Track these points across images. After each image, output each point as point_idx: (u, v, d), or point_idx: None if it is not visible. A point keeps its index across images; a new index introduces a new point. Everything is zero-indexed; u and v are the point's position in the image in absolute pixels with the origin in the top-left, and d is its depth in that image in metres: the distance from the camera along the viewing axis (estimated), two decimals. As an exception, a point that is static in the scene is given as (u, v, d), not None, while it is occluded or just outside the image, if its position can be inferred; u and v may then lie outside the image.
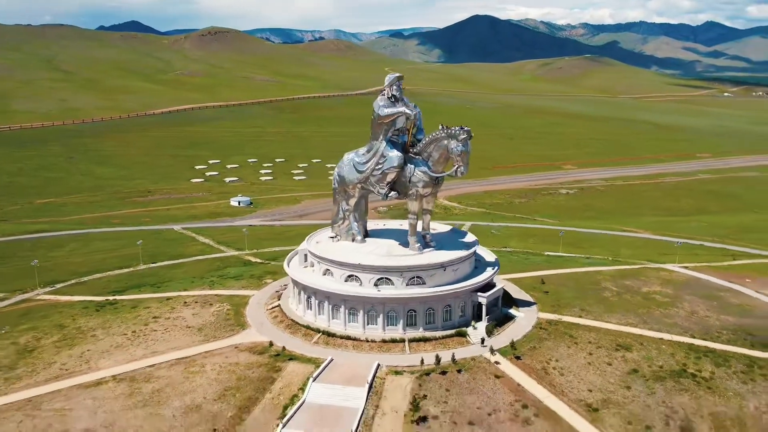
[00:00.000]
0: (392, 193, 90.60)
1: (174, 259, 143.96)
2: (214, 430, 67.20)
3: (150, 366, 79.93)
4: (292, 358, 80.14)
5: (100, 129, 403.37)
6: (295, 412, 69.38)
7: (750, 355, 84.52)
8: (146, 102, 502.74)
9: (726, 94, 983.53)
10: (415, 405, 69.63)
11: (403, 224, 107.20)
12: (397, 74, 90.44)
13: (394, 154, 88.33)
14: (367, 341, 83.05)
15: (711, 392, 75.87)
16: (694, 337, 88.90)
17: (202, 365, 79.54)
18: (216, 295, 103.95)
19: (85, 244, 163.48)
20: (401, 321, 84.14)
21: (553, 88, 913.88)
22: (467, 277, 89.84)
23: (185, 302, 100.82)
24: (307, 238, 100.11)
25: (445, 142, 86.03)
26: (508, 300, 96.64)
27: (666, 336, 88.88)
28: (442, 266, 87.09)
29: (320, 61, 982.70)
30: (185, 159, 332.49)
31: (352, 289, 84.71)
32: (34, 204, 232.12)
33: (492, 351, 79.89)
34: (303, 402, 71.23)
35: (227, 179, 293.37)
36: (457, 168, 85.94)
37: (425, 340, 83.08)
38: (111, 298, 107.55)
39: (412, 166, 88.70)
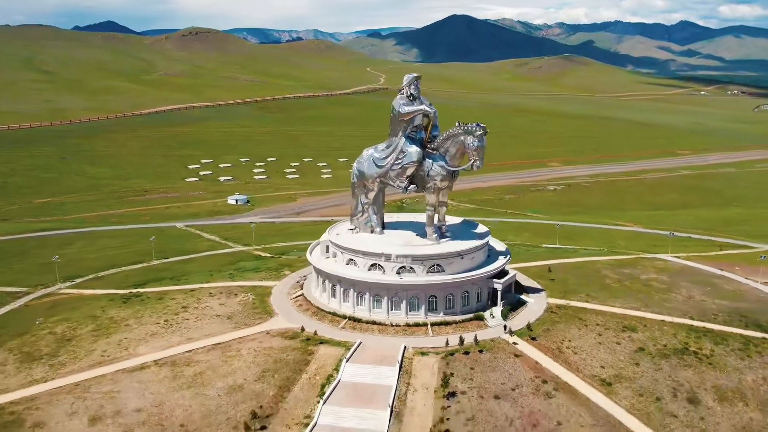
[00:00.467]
0: (411, 186, 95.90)
1: (184, 254, 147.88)
2: (260, 407, 71.89)
3: (188, 351, 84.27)
4: (323, 342, 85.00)
5: (90, 129, 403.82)
6: (333, 390, 74.31)
7: (745, 335, 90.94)
8: (132, 102, 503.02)
9: (702, 92, 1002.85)
10: (445, 381, 74.91)
11: (416, 217, 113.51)
12: (415, 74, 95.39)
13: (414, 150, 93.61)
14: (392, 325, 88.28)
15: (712, 367, 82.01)
16: (693, 319, 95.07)
17: (238, 350, 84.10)
18: (238, 286, 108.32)
19: (92, 241, 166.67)
20: (423, 306, 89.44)
21: (534, 87, 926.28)
22: (482, 265, 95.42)
23: (210, 293, 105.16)
24: (327, 230, 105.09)
25: (462, 138, 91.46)
26: (518, 287, 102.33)
27: (667, 318, 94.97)
28: (460, 255, 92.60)
29: (302, 61, 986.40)
30: (178, 159, 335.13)
31: (377, 276, 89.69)
32: (32, 204, 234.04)
33: (510, 332, 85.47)
34: (338, 381, 76.15)
35: (222, 178, 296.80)
36: (473, 162, 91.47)
37: (446, 323, 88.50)
38: (134, 291, 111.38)
39: (431, 160, 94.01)
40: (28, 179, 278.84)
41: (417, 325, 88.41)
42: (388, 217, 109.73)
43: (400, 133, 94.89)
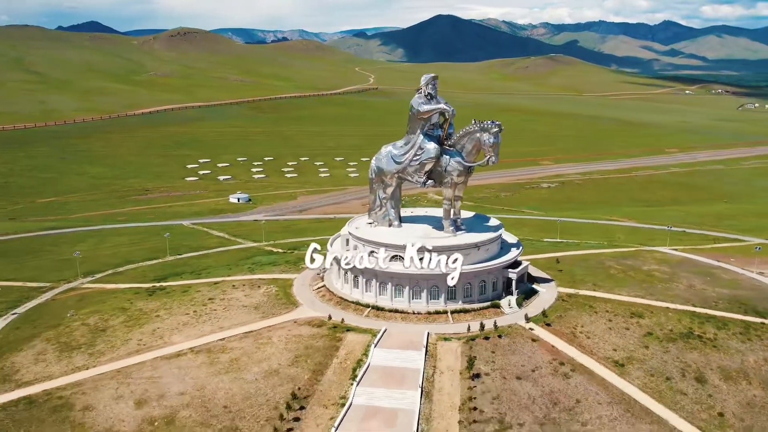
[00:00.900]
0: (429, 181, 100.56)
1: (197, 250, 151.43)
2: (298, 388, 76.25)
3: (221, 339, 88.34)
4: (349, 329, 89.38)
5: (85, 130, 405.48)
6: (364, 373, 78.78)
7: (745, 320, 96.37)
8: (125, 103, 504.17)
9: (687, 91, 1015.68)
10: (470, 364, 79.58)
11: (428, 211, 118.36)
12: (433, 74, 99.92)
13: (432, 146, 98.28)
14: (414, 313, 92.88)
15: (716, 350, 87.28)
16: (695, 306, 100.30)
17: (269, 337, 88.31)
18: (260, 278, 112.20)
19: (103, 239, 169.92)
20: (443, 295, 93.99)
21: (521, 87, 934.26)
22: (496, 256, 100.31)
23: (233, 285, 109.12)
24: (347, 223, 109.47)
25: (478, 134, 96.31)
26: (529, 277, 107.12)
27: (671, 305, 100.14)
28: (477, 246, 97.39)
29: (291, 61, 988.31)
30: (175, 158, 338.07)
31: (400, 267, 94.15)
32: (35, 203, 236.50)
33: (527, 319, 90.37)
34: (368, 365, 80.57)
35: (221, 177, 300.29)
36: (489, 158, 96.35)
37: (465, 311, 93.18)
38: (158, 284, 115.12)
39: (448, 156, 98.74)
40: (28, 179, 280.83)
41: (437, 312, 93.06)
42: (409, 212, 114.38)
43: (418, 131, 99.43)
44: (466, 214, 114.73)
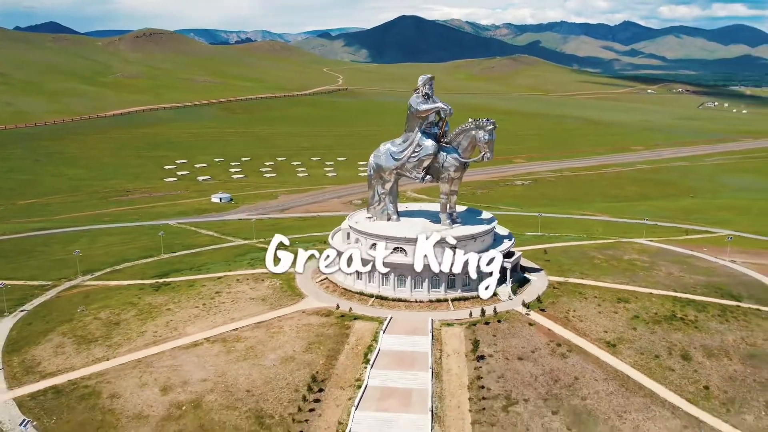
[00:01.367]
0: (427, 177, 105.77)
1: (190, 248, 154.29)
2: (317, 372, 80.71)
3: (234, 329, 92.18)
4: (356, 317, 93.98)
5: (57, 132, 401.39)
6: (376, 357, 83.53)
7: (722, 303, 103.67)
8: (94, 105, 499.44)
9: (649, 90, 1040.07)
10: (475, 346, 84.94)
11: (422, 206, 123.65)
12: (429, 75, 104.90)
13: (430, 143, 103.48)
14: (416, 302, 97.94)
15: (698, 330, 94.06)
16: (676, 292, 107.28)
17: (280, 327, 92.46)
18: (262, 273, 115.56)
19: (94, 239, 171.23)
20: (443, 284, 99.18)
21: (488, 87, 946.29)
22: (491, 247, 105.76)
23: (237, 279, 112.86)
24: (347, 217, 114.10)
25: (474, 132, 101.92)
26: (520, 268, 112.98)
27: (654, 291, 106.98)
28: (474, 237, 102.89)
29: (258, 62, 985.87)
30: (152, 159, 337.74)
31: (403, 258, 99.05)
32: (17, 205, 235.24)
33: (524, 305, 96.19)
34: (379, 349, 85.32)
35: (200, 178, 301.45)
36: (484, 154, 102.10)
37: (464, 299, 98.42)
38: (161, 280, 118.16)
39: (445, 153, 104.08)
40: (5, 181, 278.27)
41: (438, 301, 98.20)
42: (404, 207, 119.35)
43: (416, 129, 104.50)
44: (459, 208, 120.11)
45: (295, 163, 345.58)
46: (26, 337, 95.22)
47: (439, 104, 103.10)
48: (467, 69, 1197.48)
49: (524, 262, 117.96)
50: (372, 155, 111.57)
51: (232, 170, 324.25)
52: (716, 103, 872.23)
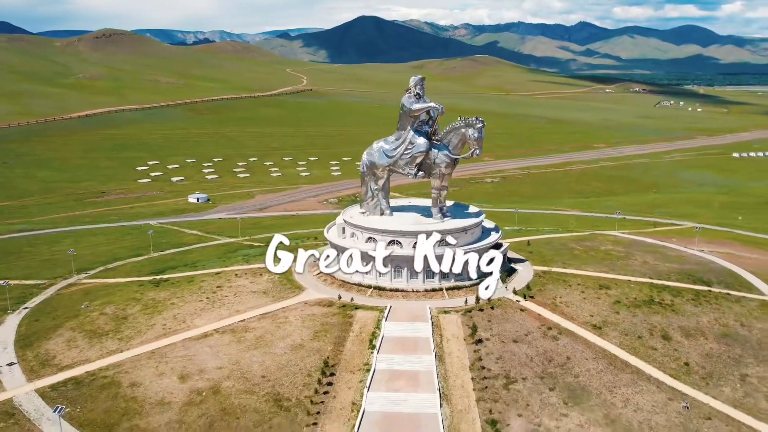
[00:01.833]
0: (420, 173, 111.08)
1: (178, 247, 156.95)
2: (328, 357, 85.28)
3: (241, 321, 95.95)
4: (357, 307, 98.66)
5: (23, 134, 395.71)
6: (381, 343, 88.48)
7: (695, 289, 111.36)
8: (57, 106, 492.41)
9: (608, 90, 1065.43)
10: (473, 330, 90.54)
11: (412, 201, 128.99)
12: (421, 76, 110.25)
13: (422, 141, 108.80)
14: (413, 291, 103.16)
15: (675, 313, 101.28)
16: (652, 279, 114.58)
17: (285, 317, 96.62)
18: (258, 267, 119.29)
19: (78, 239, 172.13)
20: (437, 275, 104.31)
21: (451, 87, 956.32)
22: (480, 239, 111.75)
23: (236, 274, 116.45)
24: (342, 212, 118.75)
25: (463, 130, 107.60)
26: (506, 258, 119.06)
27: (632, 278, 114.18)
28: (464, 230, 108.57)
29: (220, 63, 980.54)
30: (123, 161, 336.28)
31: (399, 250, 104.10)
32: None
33: (515, 292, 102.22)
34: (383, 336, 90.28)
35: (174, 179, 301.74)
36: (473, 151, 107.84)
37: (458, 288, 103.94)
38: (158, 277, 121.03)
39: (436, 150, 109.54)
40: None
41: (434, 290, 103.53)
42: (393, 202, 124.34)
43: (409, 127, 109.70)
44: (447, 202, 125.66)
45: (267, 164, 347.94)
46: (36, 332, 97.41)
47: (431, 104, 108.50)
48: (429, 69, 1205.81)
49: (510, 254, 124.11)
50: (365, 153, 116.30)
51: (206, 171, 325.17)
52: (672, 102, 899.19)
